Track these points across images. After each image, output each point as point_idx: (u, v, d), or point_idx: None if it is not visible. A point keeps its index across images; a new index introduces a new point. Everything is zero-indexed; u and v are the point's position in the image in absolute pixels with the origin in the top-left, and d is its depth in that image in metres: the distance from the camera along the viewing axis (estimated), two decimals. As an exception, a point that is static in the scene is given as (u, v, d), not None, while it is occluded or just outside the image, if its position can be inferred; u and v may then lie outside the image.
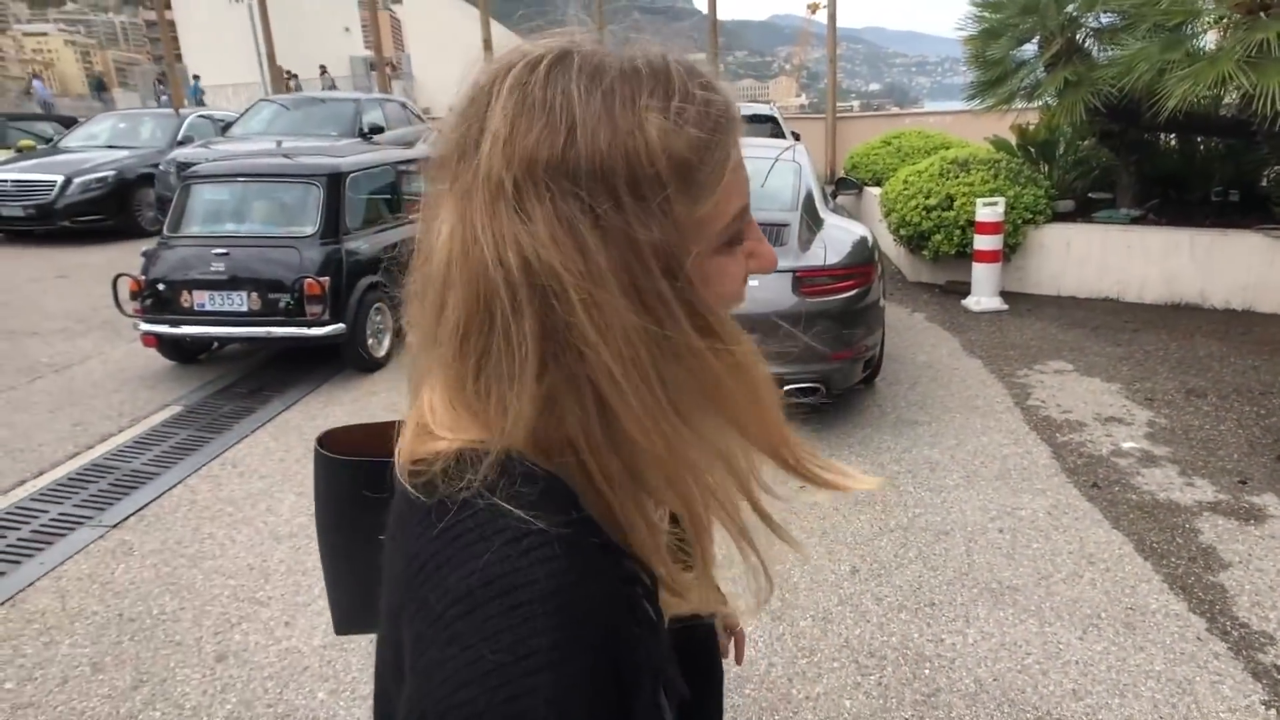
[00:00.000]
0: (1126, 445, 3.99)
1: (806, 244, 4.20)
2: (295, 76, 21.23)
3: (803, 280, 4.01)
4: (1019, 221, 6.54)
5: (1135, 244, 6.40)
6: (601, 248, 0.53)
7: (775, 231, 4.23)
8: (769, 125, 9.80)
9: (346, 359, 5.37)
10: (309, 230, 5.18)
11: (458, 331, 0.58)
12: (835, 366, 4.08)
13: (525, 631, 0.53)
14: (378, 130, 11.78)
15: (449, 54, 22.92)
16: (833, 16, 14.58)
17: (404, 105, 12.53)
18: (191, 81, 22.39)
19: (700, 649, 0.85)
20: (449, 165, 0.58)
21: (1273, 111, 5.03)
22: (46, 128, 14.70)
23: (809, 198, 4.65)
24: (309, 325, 5.02)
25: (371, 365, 5.43)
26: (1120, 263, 6.45)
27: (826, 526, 3.38)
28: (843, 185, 6.63)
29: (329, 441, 0.83)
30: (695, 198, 0.56)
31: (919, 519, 3.41)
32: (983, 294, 6.36)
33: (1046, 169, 7.32)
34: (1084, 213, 6.92)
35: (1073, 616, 2.76)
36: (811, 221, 4.44)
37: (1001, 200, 6.25)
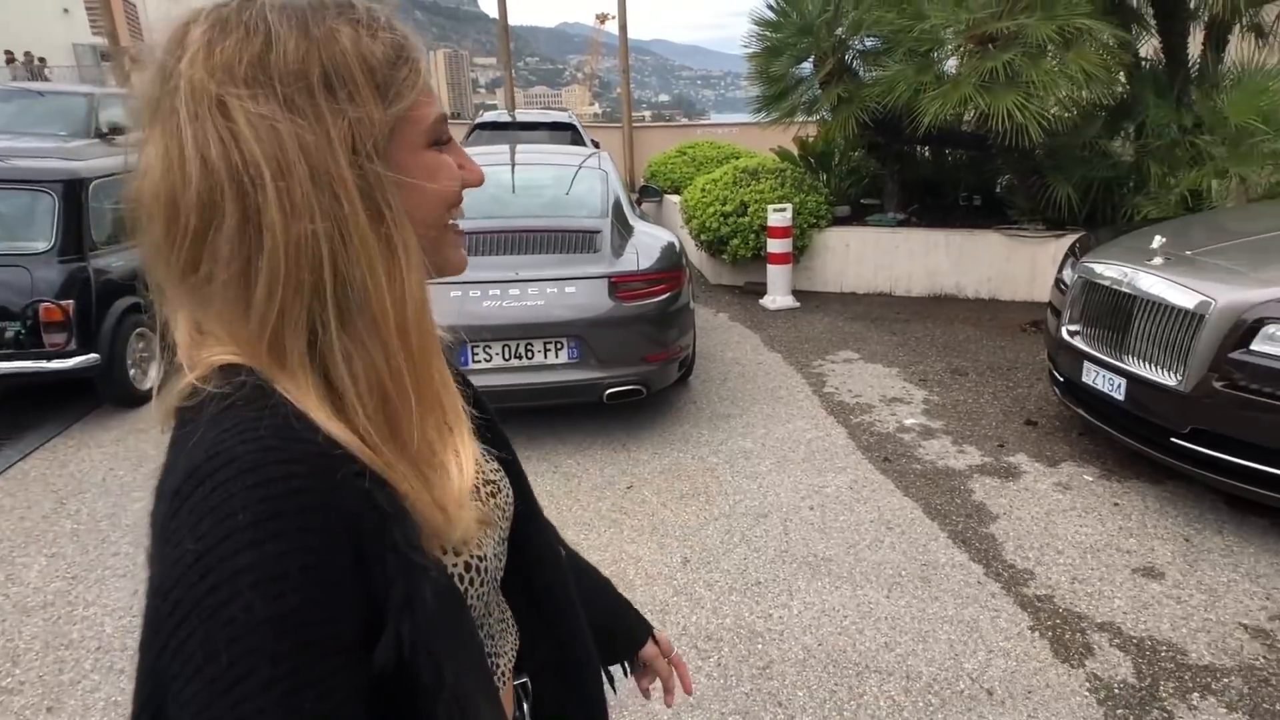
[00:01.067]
0: (908, 422, 4.51)
1: (619, 250, 4.36)
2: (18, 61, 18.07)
3: (618, 285, 4.17)
4: (805, 226, 7.14)
5: (902, 244, 7.20)
6: (294, 137, 0.58)
7: (587, 238, 4.35)
8: (569, 133, 9.97)
9: (104, 393, 4.81)
10: (41, 246, 4.55)
11: (180, 247, 0.59)
12: (653, 368, 4.28)
13: (224, 512, 0.53)
14: (119, 131, 10.43)
15: None
16: (624, 28, 15.06)
17: None
18: None
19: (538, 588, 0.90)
20: (151, 99, 0.60)
21: (1002, 128, 5.87)
22: None
23: (618, 205, 4.83)
24: (50, 358, 4.44)
25: (135, 399, 4.88)
26: (891, 261, 7.23)
27: (656, 522, 3.55)
28: (646, 193, 6.93)
29: None
30: (389, 99, 0.63)
31: (739, 505, 3.67)
32: (777, 293, 6.89)
33: (825, 177, 8.05)
34: (858, 217, 7.68)
35: (879, 578, 3.11)
36: (622, 228, 4.62)
37: (789, 206, 6.80)
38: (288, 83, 0.58)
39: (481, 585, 0.74)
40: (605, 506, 3.69)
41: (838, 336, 6.08)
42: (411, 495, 0.62)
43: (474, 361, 4.06)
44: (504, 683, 0.84)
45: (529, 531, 0.89)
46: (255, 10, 0.60)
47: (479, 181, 0.71)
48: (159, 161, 0.59)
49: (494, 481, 0.82)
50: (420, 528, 0.63)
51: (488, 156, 5.51)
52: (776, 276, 6.87)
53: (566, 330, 4.08)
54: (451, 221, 0.70)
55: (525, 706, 0.90)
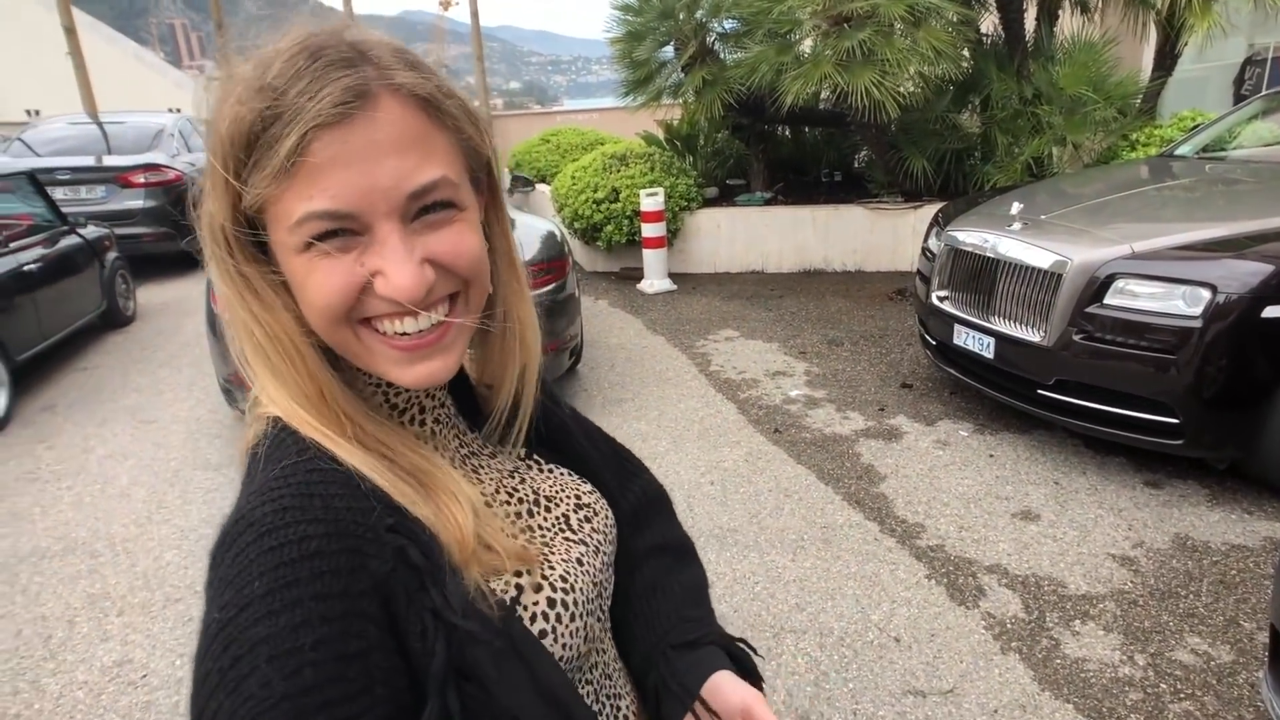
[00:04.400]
0: (794, 393, 4.65)
1: None
2: None
3: None
4: (676, 209, 7.22)
5: (770, 222, 7.42)
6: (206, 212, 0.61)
7: None
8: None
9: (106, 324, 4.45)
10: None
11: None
12: (545, 359, 4.19)
13: (243, 581, 0.52)
14: None
15: (19, 47, 19.07)
16: (475, 14, 14.71)
17: None
18: None
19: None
20: None
21: (861, 105, 6.13)
22: None
23: (494, 194, 4.70)
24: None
25: (124, 321, 4.50)
26: (760, 239, 7.43)
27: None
28: (517, 182, 6.79)
29: None
30: (248, 183, 0.57)
31: (643, 486, 3.67)
32: (654, 277, 6.94)
33: (692, 160, 8.16)
34: (726, 197, 7.85)
35: (783, 544, 3.19)
36: (501, 217, 4.50)
37: (661, 190, 6.85)
38: (213, 153, 0.59)
39: (573, 621, 0.68)
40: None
41: (717, 316, 6.19)
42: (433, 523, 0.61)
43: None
44: None
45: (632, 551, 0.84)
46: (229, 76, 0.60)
47: (394, 295, 0.58)
48: None
49: (588, 505, 0.78)
50: (466, 575, 0.60)
51: None
52: (652, 260, 6.92)
53: None
54: (377, 330, 0.61)
55: None
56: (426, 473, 0.63)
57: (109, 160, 8.30)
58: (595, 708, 0.73)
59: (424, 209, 0.59)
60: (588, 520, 0.76)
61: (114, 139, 8.92)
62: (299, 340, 0.61)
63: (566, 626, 0.66)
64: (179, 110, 12.54)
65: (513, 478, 0.76)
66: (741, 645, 0.84)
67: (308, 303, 0.59)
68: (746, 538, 3.23)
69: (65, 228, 6.12)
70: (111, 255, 6.59)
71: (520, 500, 0.73)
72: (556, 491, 0.77)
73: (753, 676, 0.81)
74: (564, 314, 4.33)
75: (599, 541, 0.76)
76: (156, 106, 12.43)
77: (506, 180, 7.33)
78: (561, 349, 4.34)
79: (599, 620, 0.74)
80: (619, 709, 0.76)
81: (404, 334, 0.60)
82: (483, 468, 0.74)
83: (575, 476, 0.81)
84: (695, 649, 0.80)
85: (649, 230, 6.85)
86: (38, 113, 15.61)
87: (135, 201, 8.07)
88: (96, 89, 13.70)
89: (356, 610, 0.53)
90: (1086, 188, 4.44)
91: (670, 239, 7.21)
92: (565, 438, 0.84)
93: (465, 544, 0.61)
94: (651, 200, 6.74)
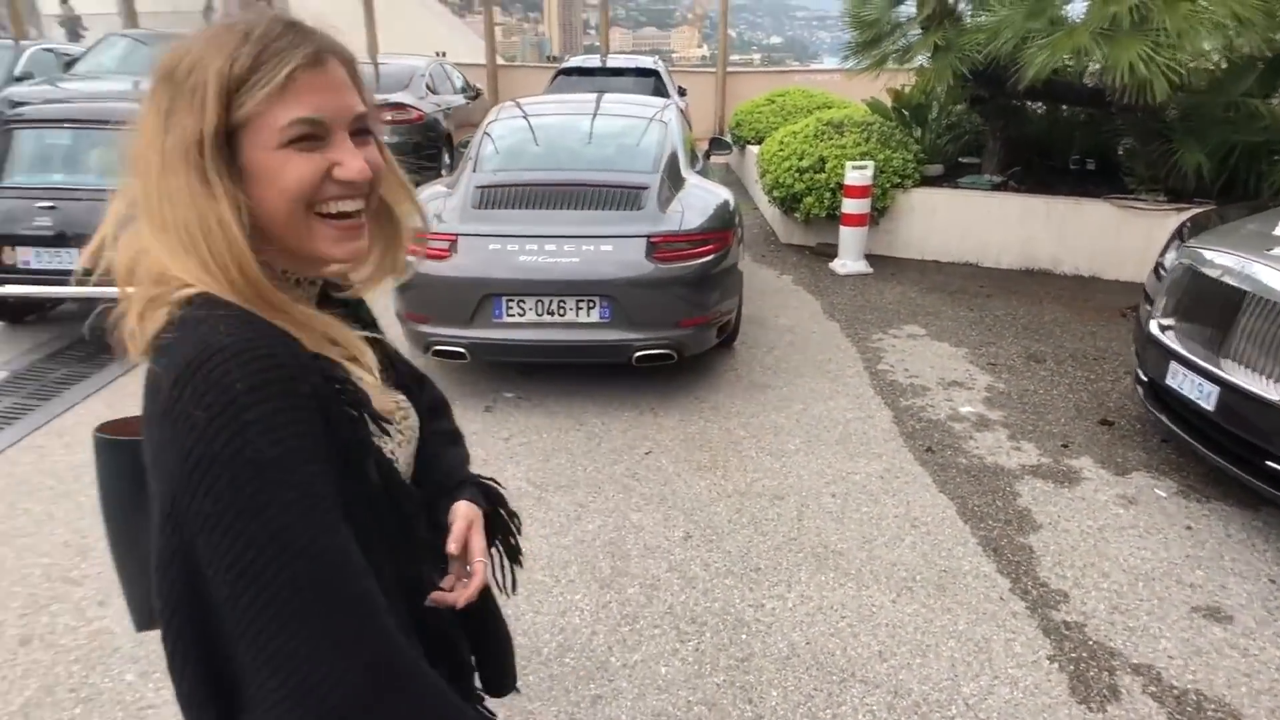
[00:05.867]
0: (964, 410, 4.11)
1: (664, 208, 4.11)
2: None
3: (657, 246, 3.92)
4: (887, 185, 6.63)
5: (996, 210, 6.60)
6: (162, 127, 0.78)
7: (631, 195, 4.11)
8: (651, 80, 9.60)
9: None
10: None
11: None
12: (687, 333, 4.03)
13: (224, 385, 0.70)
14: None
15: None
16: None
17: None
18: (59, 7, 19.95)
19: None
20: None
21: (1123, 84, 5.20)
22: None
23: (672, 159, 4.54)
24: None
25: None
26: (981, 228, 6.65)
27: (666, 492, 3.36)
28: (716, 145, 6.53)
29: (110, 429, 0.97)
30: (235, 104, 0.78)
31: (756, 484, 3.42)
32: (849, 257, 6.45)
33: (920, 133, 7.44)
34: (952, 177, 7.08)
35: (889, 580, 2.82)
36: (672, 185, 4.34)
37: (870, 164, 6.30)
38: (175, 84, 0.79)
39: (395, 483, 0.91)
40: (619, 470, 3.52)
41: (907, 308, 5.64)
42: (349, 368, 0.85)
43: (507, 315, 3.93)
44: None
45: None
46: (202, 33, 0.81)
47: (349, 178, 0.81)
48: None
49: (403, 409, 0.99)
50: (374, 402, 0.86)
51: (540, 107, 5.31)
52: (849, 239, 6.42)
53: (598, 289, 3.89)
54: (325, 211, 0.82)
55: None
56: (339, 331, 0.84)
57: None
58: None
59: (358, 131, 0.84)
60: (405, 418, 0.99)
61: (378, 78, 9.79)
62: (234, 227, 0.77)
63: (401, 463, 0.95)
64: (443, 55, 13.52)
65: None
66: (490, 481, 1.13)
67: (281, 189, 0.79)
68: (850, 564, 2.90)
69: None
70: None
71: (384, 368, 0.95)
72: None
73: (499, 502, 1.13)
74: (716, 287, 4.10)
75: (408, 437, 0.99)
76: (427, 51, 13.44)
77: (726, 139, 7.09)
78: (708, 324, 4.13)
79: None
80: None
81: (345, 214, 0.83)
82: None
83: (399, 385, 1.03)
84: (452, 493, 1.06)
85: (850, 206, 6.35)
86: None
87: (382, 137, 8.80)
88: (383, 32, 15.11)
89: (309, 405, 0.74)
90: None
91: (876, 217, 6.65)
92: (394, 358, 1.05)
93: (374, 384, 0.86)
94: (858, 174, 6.23)
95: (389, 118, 8.82)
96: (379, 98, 8.97)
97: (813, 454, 3.67)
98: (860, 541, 3.04)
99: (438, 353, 4.02)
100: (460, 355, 4.03)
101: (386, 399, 0.91)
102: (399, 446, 0.94)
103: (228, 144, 0.78)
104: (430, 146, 9.23)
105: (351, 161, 0.81)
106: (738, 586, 2.80)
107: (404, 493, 0.91)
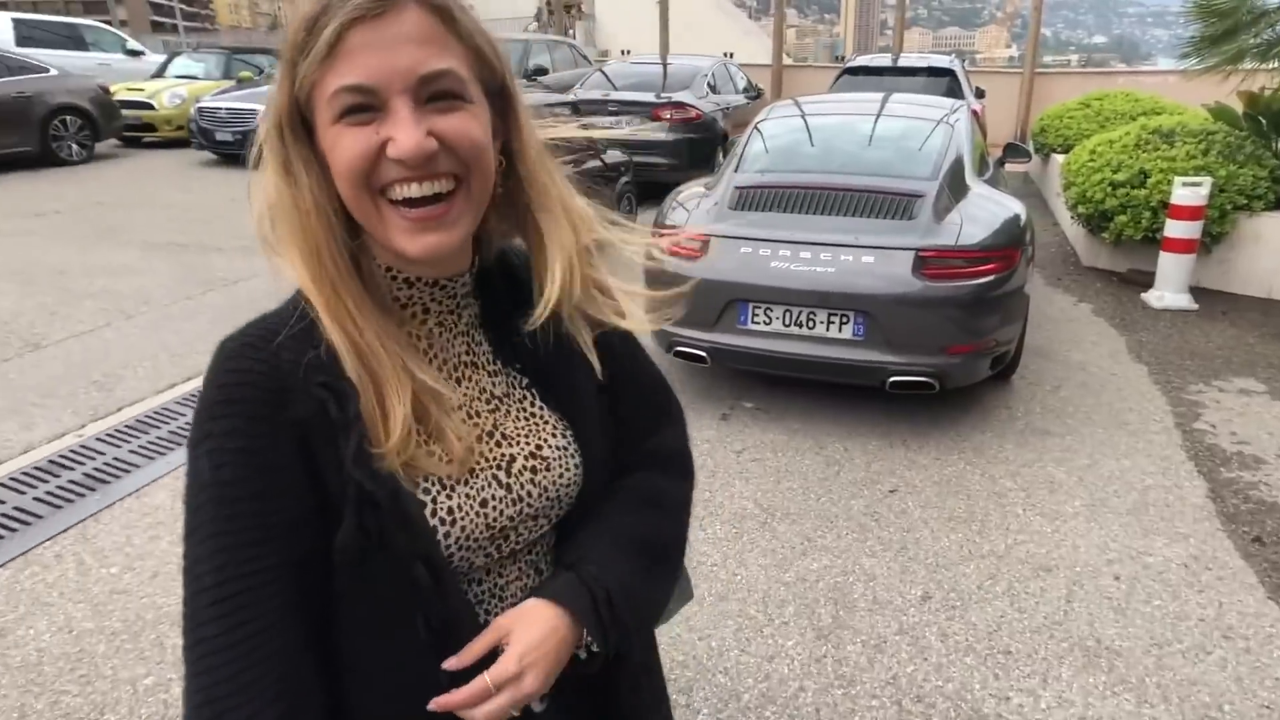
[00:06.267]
0: (1313, 494, 3.26)
1: (941, 219, 3.69)
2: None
3: (927, 260, 3.52)
4: (1228, 207, 5.51)
5: (1383, 244, 5.24)
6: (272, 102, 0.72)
7: (904, 203, 3.74)
8: (946, 79, 8.89)
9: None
10: None
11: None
12: (954, 361, 3.58)
13: (199, 409, 0.70)
14: (541, 72, 11.86)
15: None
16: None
17: (572, 48, 12.60)
18: None
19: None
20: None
21: None
22: (264, 60, 15.59)
23: (956, 165, 4.09)
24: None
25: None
26: (1358, 266, 5.31)
27: (908, 541, 2.99)
28: (1012, 152, 5.82)
29: None
30: (300, 71, 0.69)
31: (1018, 548, 2.94)
32: (1168, 289, 5.45)
33: (1278, 146, 6.13)
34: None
35: (1184, 703, 2.26)
36: (953, 193, 3.89)
37: (1207, 181, 5.27)
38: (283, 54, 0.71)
39: (464, 534, 0.77)
40: (857, 506, 3.21)
41: (1241, 357, 4.63)
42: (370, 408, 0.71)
43: (752, 323, 3.76)
44: None
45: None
46: None
47: (400, 155, 0.68)
48: None
49: (546, 458, 0.82)
50: (386, 458, 0.71)
51: (817, 106, 5.05)
52: (1171, 267, 5.41)
53: (854, 304, 3.58)
54: (394, 198, 0.70)
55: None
56: (377, 357, 0.71)
57: (640, 96, 9.35)
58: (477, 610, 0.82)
59: (435, 95, 0.69)
60: (534, 471, 0.81)
61: (665, 78, 10.08)
62: (314, 212, 0.70)
63: (456, 540, 0.76)
64: (730, 55, 13.62)
65: (487, 404, 0.82)
66: (604, 588, 0.80)
67: (338, 170, 0.70)
68: (1130, 670, 2.37)
69: (590, 151, 7.07)
70: (624, 180, 7.48)
71: (476, 426, 0.80)
72: (518, 432, 0.82)
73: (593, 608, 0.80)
74: (995, 312, 3.60)
75: (532, 495, 0.81)
76: (716, 52, 13.61)
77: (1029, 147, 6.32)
78: (980, 353, 3.64)
79: (488, 557, 0.81)
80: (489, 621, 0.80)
81: (410, 200, 0.69)
82: (466, 380, 0.81)
83: (558, 424, 0.85)
84: (555, 576, 0.84)
85: (1176, 229, 5.35)
86: (627, 53, 18.41)
87: (660, 134, 9.00)
88: (676, 34, 15.58)
89: (279, 435, 0.68)
90: None
91: (1208, 244, 5.57)
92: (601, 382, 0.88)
93: (391, 431, 0.71)
94: (1189, 191, 5.24)
95: (668, 116, 8.97)
96: (663, 96, 9.30)
97: (1096, 522, 3.08)
98: (1148, 644, 2.47)
99: (679, 353, 3.94)
100: (701, 359, 3.91)
101: (459, 446, 0.75)
102: (475, 505, 0.77)
103: (303, 124, 0.71)
104: (706, 145, 9.29)
105: (404, 136, 0.67)
106: (979, 668, 2.39)
107: (419, 564, 0.72)
